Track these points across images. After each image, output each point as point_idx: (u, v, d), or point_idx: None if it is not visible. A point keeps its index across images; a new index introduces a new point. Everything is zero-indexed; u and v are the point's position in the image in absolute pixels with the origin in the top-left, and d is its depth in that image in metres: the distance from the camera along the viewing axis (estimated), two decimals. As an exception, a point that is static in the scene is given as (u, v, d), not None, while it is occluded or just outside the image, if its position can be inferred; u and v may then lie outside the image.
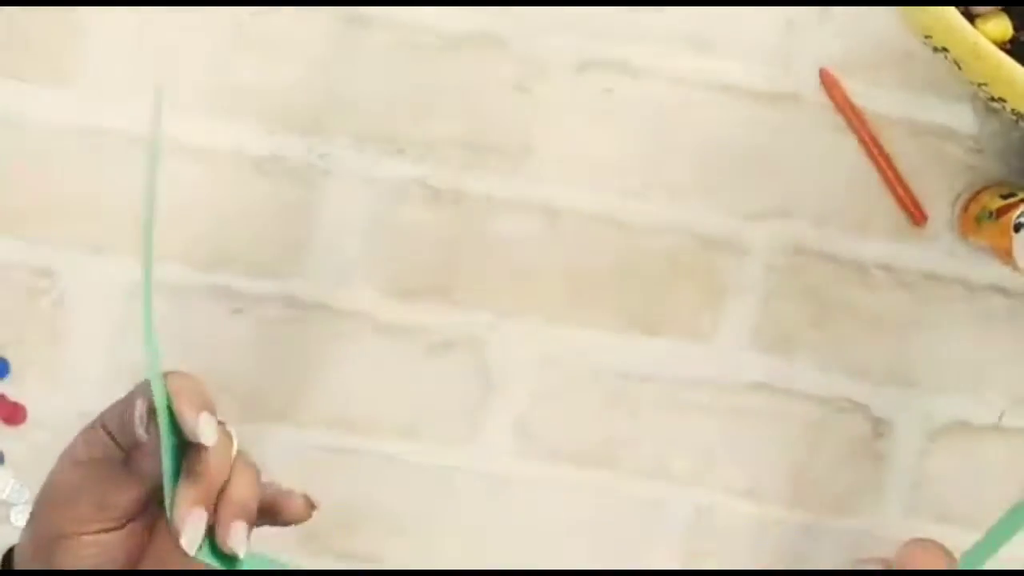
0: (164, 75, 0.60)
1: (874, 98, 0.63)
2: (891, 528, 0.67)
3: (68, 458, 0.47)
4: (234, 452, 0.44)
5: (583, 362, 0.64)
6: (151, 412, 0.42)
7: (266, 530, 0.65)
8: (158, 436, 0.42)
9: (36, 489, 0.62)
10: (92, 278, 0.61)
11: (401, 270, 0.63)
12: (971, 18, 0.56)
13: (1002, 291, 0.65)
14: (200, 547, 0.43)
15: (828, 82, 0.63)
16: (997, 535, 0.53)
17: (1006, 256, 0.60)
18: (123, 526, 0.47)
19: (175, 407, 0.42)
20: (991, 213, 0.61)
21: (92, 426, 0.47)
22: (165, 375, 0.42)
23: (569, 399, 0.65)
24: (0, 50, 0.59)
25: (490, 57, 0.61)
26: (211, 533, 0.44)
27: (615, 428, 0.65)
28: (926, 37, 0.56)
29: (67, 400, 0.62)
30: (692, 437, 0.65)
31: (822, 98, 0.63)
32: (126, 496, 0.46)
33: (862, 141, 0.63)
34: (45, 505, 0.47)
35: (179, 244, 0.62)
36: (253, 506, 0.44)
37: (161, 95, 0.48)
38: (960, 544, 0.67)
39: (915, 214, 0.64)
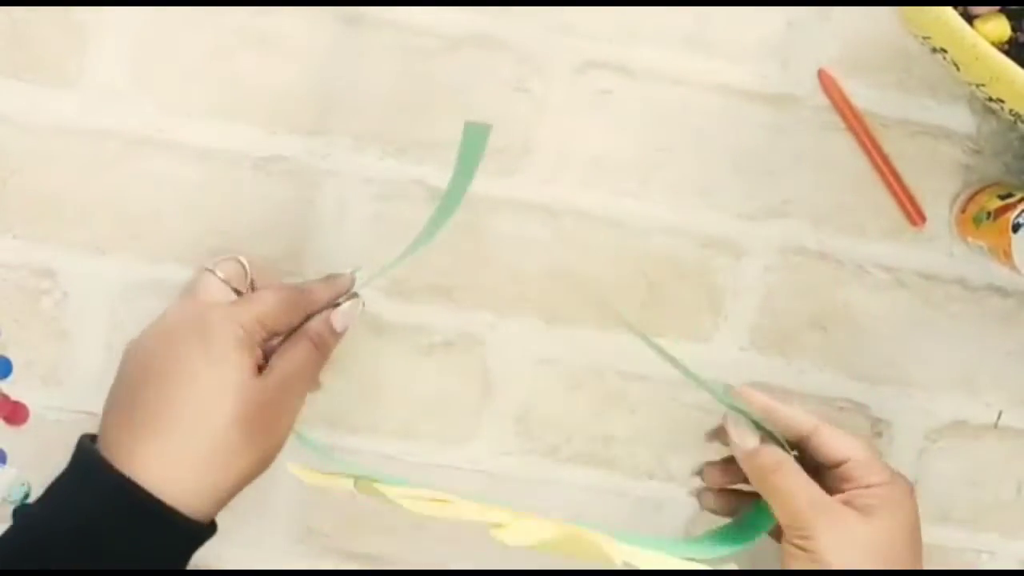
0: (165, 76, 0.60)
1: (873, 99, 0.63)
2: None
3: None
4: None
5: (583, 362, 0.64)
6: None
7: (262, 528, 0.65)
8: None
9: (38, 488, 0.62)
10: (93, 278, 0.61)
11: (401, 270, 0.63)
12: (970, 19, 0.56)
13: (1000, 291, 0.65)
14: None
15: (827, 83, 0.63)
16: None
17: (1004, 256, 0.60)
18: None
19: None
20: (989, 213, 0.61)
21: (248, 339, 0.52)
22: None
23: (568, 399, 0.65)
24: (1, 50, 0.59)
25: (490, 57, 0.61)
26: None
27: (614, 428, 0.65)
28: (925, 38, 0.57)
29: (69, 399, 0.62)
30: (692, 437, 0.65)
31: (821, 99, 0.63)
32: None
33: (860, 142, 0.63)
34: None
35: (179, 244, 0.62)
36: None
37: (482, 137, 0.53)
38: (959, 544, 0.67)
39: (913, 214, 0.64)
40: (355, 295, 0.58)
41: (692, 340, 0.64)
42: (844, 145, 0.64)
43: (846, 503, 0.54)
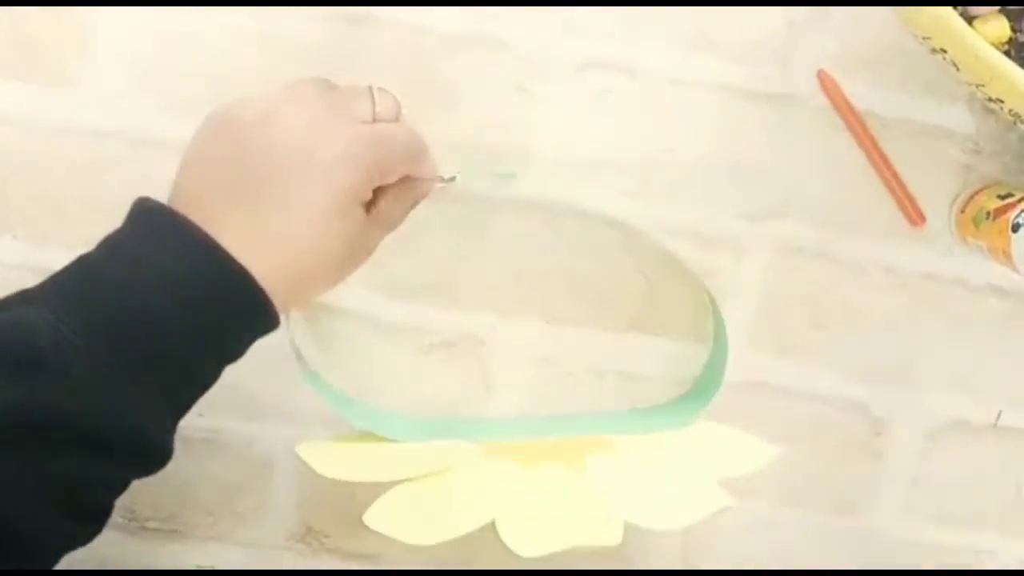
0: (166, 76, 0.60)
1: (872, 99, 0.63)
2: (889, 527, 0.67)
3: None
4: None
5: (583, 362, 0.64)
6: None
7: (262, 528, 0.65)
8: None
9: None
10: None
11: (401, 270, 0.63)
12: (969, 19, 0.56)
13: (1000, 291, 0.65)
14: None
15: (827, 83, 0.63)
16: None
17: (1004, 256, 0.60)
18: None
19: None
20: (989, 213, 0.61)
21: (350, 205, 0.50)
22: None
23: (569, 399, 0.65)
24: (2, 51, 0.59)
25: (490, 57, 0.61)
26: None
27: (615, 428, 0.65)
28: (924, 38, 0.57)
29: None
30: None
31: (821, 99, 0.63)
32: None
33: (860, 142, 0.63)
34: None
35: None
36: None
37: None
38: (960, 544, 0.67)
39: (913, 215, 0.64)
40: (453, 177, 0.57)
41: (692, 340, 0.64)
42: (844, 145, 0.64)
43: None
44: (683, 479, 0.58)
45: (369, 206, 0.52)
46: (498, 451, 0.60)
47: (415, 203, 0.56)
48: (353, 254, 0.52)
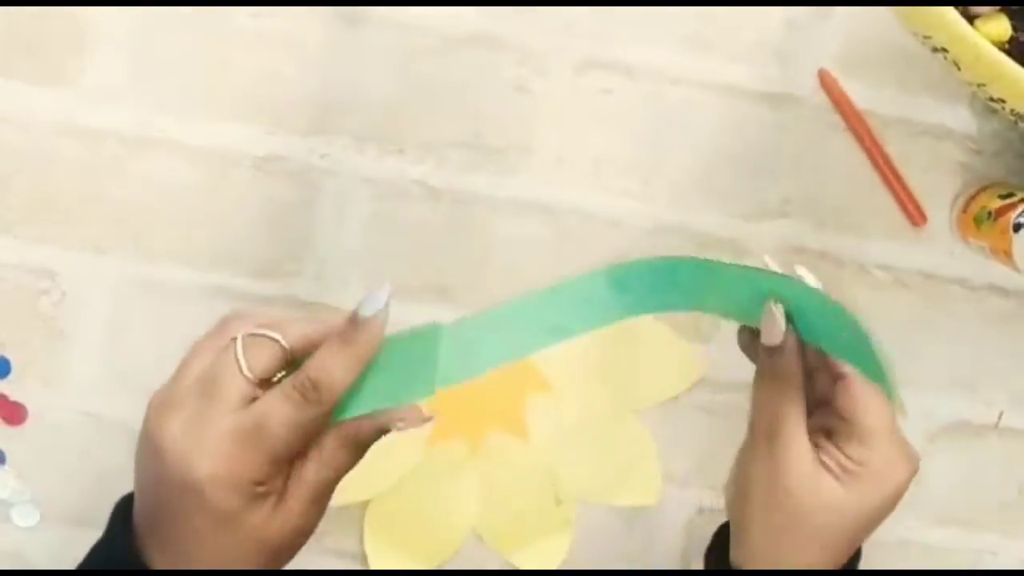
0: (165, 75, 0.60)
1: (873, 99, 0.63)
2: (889, 527, 0.67)
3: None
4: None
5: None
6: None
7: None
8: None
9: (37, 488, 0.62)
10: (92, 278, 0.61)
11: (401, 270, 0.63)
12: (970, 19, 0.56)
13: (1001, 291, 0.65)
14: None
15: (827, 83, 0.63)
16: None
17: (1005, 256, 0.60)
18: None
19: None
20: (990, 213, 0.61)
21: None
22: None
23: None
24: (1, 50, 0.59)
25: (490, 57, 0.61)
26: None
27: (615, 428, 0.65)
28: (925, 37, 0.56)
29: (68, 400, 0.62)
30: (692, 437, 0.65)
31: (822, 99, 0.63)
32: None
33: (861, 142, 0.63)
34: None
35: (179, 244, 0.62)
36: None
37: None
38: (960, 544, 0.67)
39: (914, 214, 0.64)
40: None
41: (693, 340, 0.64)
42: (844, 145, 0.64)
43: (824, 459, 0.48)
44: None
45: (286, 490, 0.44)
46: (442, 431, 0.62)
47: (360, 442, 0.45)
48: (265, 558, 0.44)
